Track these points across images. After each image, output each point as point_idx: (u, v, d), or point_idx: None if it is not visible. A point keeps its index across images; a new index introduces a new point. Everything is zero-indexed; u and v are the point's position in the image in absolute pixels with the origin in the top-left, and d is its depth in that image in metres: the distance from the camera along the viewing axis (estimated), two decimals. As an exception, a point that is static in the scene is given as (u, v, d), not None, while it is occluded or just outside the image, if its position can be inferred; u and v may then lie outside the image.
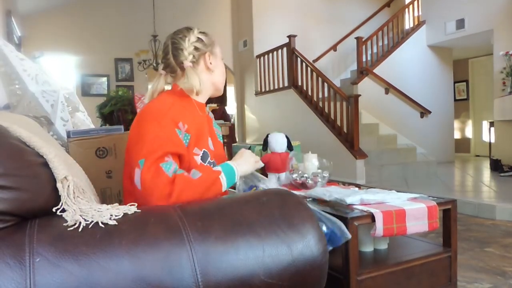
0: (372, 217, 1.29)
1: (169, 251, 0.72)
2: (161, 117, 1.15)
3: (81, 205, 0.76)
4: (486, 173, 5.84)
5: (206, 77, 1.32)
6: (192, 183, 1.08)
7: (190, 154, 1.21)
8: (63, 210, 0.75)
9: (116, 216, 0.76)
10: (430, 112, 6.78)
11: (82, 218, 0.73)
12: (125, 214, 0.78)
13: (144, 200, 1.04)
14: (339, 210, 1.37)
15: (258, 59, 7.08)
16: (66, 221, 0.72)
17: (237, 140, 7.65)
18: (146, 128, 1.13)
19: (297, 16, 7.39)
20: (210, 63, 1.32)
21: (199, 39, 1.30)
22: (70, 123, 1.74)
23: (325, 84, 5.65)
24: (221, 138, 1.47)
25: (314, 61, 7.23)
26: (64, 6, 6.54)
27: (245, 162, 1.28)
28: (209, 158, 1.27)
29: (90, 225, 0.72)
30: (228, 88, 9.05)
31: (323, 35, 7.62)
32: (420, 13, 7.21)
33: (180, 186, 1.05)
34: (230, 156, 1.68)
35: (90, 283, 0.65)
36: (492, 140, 6.31)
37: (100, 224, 0.73)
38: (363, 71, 6.31)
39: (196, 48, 1.29)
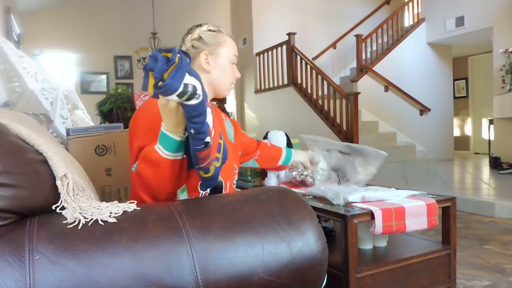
0: (371, 215, 1.30)
1: (169, 248, 0.72)
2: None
3: (80, 203, 0.76)
4: (486, 170, 5.85)
5: (202, 76, 1.27)
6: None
7: None
8: (63, 208, 0.75)
9: (115, 213, 0.76)
10: (429, 109, 6.78)
11: (82, 215, 0.73)
12: (124, 212, 0.77)
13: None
14: (338, 207, 1.37)
15: (257, 57, 7.07)
16: (66, 219, 0.72)
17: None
18: (141, 121, 1.11)
19: (297, 13, 7.38)
20: (207, 63, 1.28)
21: (200, 38, 1.28)
22: (70, 120, 1.73)
23: (325, 82, 5.64)
24: (232, 138, 1.41)
25: (314, 58, 7.22)
26: (64, 3, 6.52)
27: (166, 115, 0.95)
28: None
29: (90, 223, 0.72)
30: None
31: (322, 33, 7.61)
32: (419, 11, 7.20)
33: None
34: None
35: (89, 281, 0.65)
36: (492, 138, 6.31)
37: (100, 222, 0.73)
38: (362, 69, 6.30)
39: (193, 46, 1.28)
